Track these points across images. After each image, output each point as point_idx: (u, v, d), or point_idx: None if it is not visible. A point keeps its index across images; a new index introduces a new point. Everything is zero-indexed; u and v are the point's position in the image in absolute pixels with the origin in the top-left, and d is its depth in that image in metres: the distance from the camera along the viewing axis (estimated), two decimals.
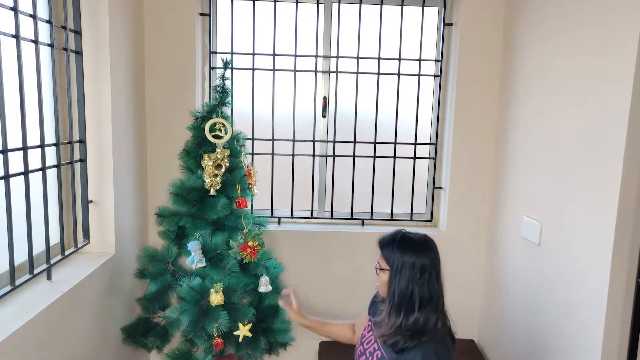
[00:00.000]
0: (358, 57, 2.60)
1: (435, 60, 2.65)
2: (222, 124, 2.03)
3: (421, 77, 2.66)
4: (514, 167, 2.32)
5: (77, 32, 1.89)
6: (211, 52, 2.56)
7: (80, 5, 1.89)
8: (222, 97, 2.07)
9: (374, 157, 2.69)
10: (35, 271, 1.65)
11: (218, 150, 2.02)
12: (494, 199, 2.56)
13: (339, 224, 2.75)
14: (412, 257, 1.44)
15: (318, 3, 2.56)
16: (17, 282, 1.55)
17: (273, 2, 2.53)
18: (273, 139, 2.64)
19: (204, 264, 1.99)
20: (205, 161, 2.00)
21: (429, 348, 1.38)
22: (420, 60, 2.63)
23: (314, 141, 2.67)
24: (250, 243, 1.99)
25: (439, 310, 1.45)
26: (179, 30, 2.42)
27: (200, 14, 2.50)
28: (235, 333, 1.97)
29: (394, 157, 2.71)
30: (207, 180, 2.00)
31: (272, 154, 2.65)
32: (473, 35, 2.49)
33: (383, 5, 2.57)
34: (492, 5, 2.47)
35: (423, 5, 2.58)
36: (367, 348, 1.58)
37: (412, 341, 1.40)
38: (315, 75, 2.61)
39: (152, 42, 2.41)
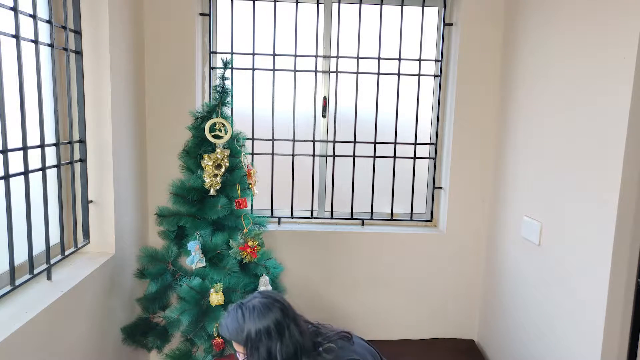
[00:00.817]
0: (358, 57, 2.60)
1: (435, 60, 2.65)
2: (222, 124, 2.03)
3: (421, 77, 2.66)
4: (514, 167, 2.32)
5: (77, 32, 1.89)
6: (211, 52, 2.56)
7: (80, 5, 1.89)
8: (222, 97, 2.07)
9: (374, 157, 2.69)
10: (35, 271, 1.65)
11: (218, 150, 2.02)
12: (494, 199, 2.56)
13: (339, 224, 2.75)
14: (263, 321, 1.30)
15: (318, 3, 2.56)
16: (17, 282, 1.55)
17: (273, 2, 2.53)
18: (273, 139, 2.64)
19: (204, 264, 1.99)
20: (205, 161, 2.00)
21: None
22: (420, 60, 2.63)
23: (314, 141, 2.67)
24: (250, 243, 1.99)
25: (307, 352, 1.34)
26: (179, 30, 2.42)
27: (200, 14, 2.50)
28: None
29: (394, 157, 2.71)
30: (207, 180, 2.00)
31: (272, 154, 2.65)
32: (473, 35, 2.49)
33: (383, 5, 2.57)
34: (492, 5, 2.47)
35: (423, 5, 2.58)
36: None
37: None
38: (315, 75, 2.61)
39: (152, 42, 2.41)
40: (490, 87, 2.53)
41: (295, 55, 2.58)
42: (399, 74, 2.62)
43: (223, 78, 2.06)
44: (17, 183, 1.53)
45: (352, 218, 2.74)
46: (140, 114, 2.39)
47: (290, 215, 2.71)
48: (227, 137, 2.03)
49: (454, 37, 2.57)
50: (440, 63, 2.64)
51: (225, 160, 2.02)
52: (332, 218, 2.74)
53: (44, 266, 1.71)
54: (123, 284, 2.19)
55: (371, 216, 2.74)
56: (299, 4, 2.55)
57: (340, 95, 2.66)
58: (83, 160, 1.96)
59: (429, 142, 2.73)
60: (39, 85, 1.63)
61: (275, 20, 2.54)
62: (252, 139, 2.62)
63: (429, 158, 2.74)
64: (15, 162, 1.53)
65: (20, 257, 1.60)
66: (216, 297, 1.93)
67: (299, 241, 2.61)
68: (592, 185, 1.66)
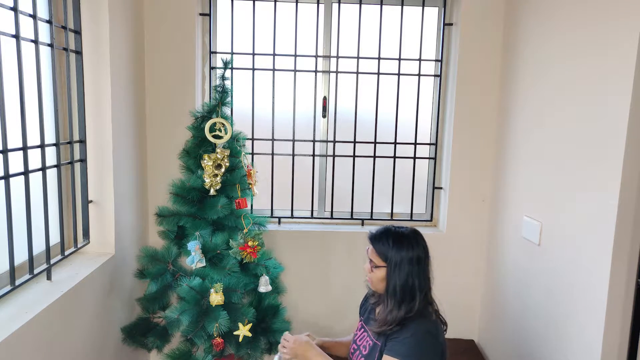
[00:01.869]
0: (358, 57, 2.60)
1: (435, 60, 2.65)
2: (222, 124, 2.03)
3: (421, 77, 2.66)
4: (514, 167, 2.32)
5: (77, 32, 1.89)
6: (211, 52, 2.56)
7: (80, 5, 1.89)
8: (222, 97, 2.07)
9: (374, 157, 2.69)
10: (35, 271, 1.65)
11: (218, 150, 2.02)
12: (494, 199, 2.56)
13: (339, 224, 2.75)
14: (409, 251, 1.49)
15: (318, 3, 2.56)
16: (17, 282, 1.55)
17: (273, 2, 2.53)
18: (273, 139, 2.64)
19: (204, 264, 1.99)
20: (205, 161, 2.00)
21: (420, 326, 1.45)
22: (420, 60, 2.63)
23: (314, 141, 2.67)
24: (250, 243, 1.99)
25: (429, 295, 1.54)
26: (179, 30, 2.42)
27: (200, 14, 2.50)
28: (235, 333, 1.97)
29: (394, 157, 2.71)
30: (207, 180, 2.00)
31: (272, 154, 2.65)
32: (473, 35, 2.49)
33: (383, 5, 2.57)
34: (492, 5, 2.47)
35: (423, 5, 2.58)
36: (360, 344, 1.61)
37: (402, 325, 1.46)
38: (315, 75, 2.61)
39: (152, 42, 2.41)
40: (490, 87, 2.53)
41: (295, 55, 2.58)
42: (399, 74, 2.62)
43: (223, 78, 2.06)
44: (17, 183, 1.53)
45: (352, 218, 2.74)
46: (140, 114, 2.39)
47: (290, 215, 2.71)
48: (227, 137, 2.03)
49: (454, 37, 2.57)
50: (440, 63, 2.64)
51: (225, 160, 2.02)
52: (332, 218, 2.74)
53: (44, 266, 1.71)
54: (123, 284, 2.19)
55: (371, 216, 2.74)
56: (299, 4, 2.55)
57: (340, 95, 2.66)
58: (83, 160, 1.96)
59: (429, 142, 2.73)
60: (39, 85, 1.63)
61: (275, 20, 2.54)
62: (252, 139, 2.62)
63: (429, 158, 2.74)
64: (15, 162, 1.53)
65: (20, 257, 1.60)
66: (216, 297, 1.93)
67: (299, 241, 2.61)
68: (592, 185, 1.66)
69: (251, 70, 2.59)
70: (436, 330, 1.48)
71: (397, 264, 1.48)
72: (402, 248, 1.49)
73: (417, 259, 1.49)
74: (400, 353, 1.42)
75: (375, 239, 1.56)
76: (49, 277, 1.73)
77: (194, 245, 1.96)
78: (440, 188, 2.73)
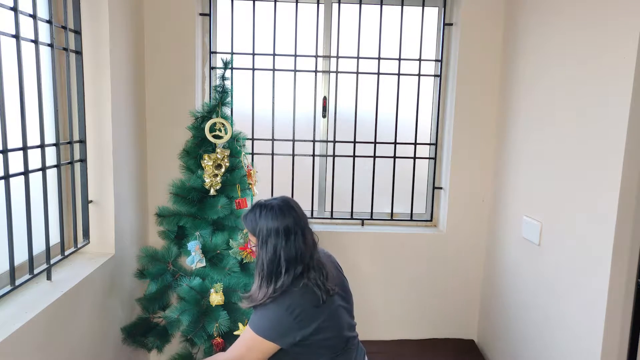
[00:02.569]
0: (358, 57, 2.60)
1: (435, 60, 2.65)
2: (222, 124, 2.03)
3: (421, 77, 2.66)
4: (514, 167, 2.32)
5: (77, 32, 1.89)
6: (211, 52, 2.56)
7: (80, 5, 1.89)
8: (222, 97, 2.07)
9: (374, 157, 2.69)
10: (35, 271, 1.65)
11: (218, 150, 2.02)
12: (494, 199, 2.56)
13: (339, 224, 2.75)
14: (275, 222, 1.44)
15: (318, 3, 2.56)
16: (17, 282, 1.55)
17: (273, 2, 2.53)
18: (273, 139, 2.64)
19: (204, 264, 1.99)
20: (205, 161, 2.00)
21: (281, 304, 1.41)
22: (420, 60, 2.63)
23: (314, 141, 2.67)
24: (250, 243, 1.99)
25: (306, 266, 1.46)
26: (179, 30, 2.42)
27: (200, 14, 2.50)
28: (235, 333, 1.97)
29: (394, 157, 2.71)
30: (207, 180, 2.00)
31: (272, 154, 2.65)
32: (473, 35, 2.49)
33: (383, 5, 2.57)
34: (492, 5, 2.47)
35: (423, 5, 2.58)
36: None
37: (270, 301, 1.43)
38: (315, 75, 2.61)
39: (152, 42, 2.41)
40: (490, 87, 2.53)
41: (295, 55, 2.58)
42: (399, 74, 2.63)
43: (223, 78, 2.06)
44: (17, 183, 1.53)
45: (352, 218, 2.74)
46: (140, 114, 2.39)
47: None
48: (227, 137, 2.03)
49: (454, 37, 2.57)
50: (440, 63, 2.64)
51: (225, 160, 2.02)
52: (332, 218, 2.74)
53: (44, 266, 1.71)
54: (123, 284, 2.19)
55: (371, 216, 2.74)
56: (299, 4, 2.55)
57: (340, 95, 2.66)
58: (83, 160, 1.96)
59: (429, 142, 2.73)
60: (39, 85, 1.63)
61: (275, 20, 2.54)
62: (252, 139, 2.62)
63: (429, 158, 2.74)
64: (15, 162, 1.53)
65: (20, 257, 1.60)
66: (216, 297, 1.93)
67: None
68: (592, 185, 1.66)
69: (251, 70, 2.59)
70: (301, 302, 1.42)
71: (264, 238, 1.44)
72: (267, 221, 1.44)
73: (285, 230, 1.43)
74: (254, 322, 1.44)
75: (244, 218, 1.52)
76: (49, 277, 1.73)
77: (194, 245, 1.96)
78: (440, 188, 2.73)
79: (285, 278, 1.42)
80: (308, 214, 2.74)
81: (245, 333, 1.47)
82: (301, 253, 1.45)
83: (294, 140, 2.65)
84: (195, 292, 1.95)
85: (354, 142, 2.67)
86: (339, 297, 1.52)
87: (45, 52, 1.73)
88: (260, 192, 2.56)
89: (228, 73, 2.08)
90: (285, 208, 1.47)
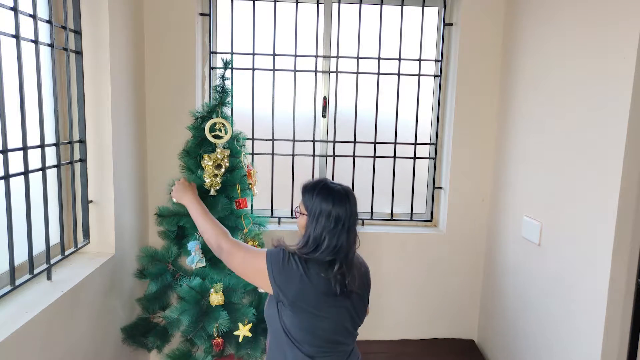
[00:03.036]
0: (358, 57, 2.60)
1: (435, 60, 2.65)
2: (222, 124, 2.03)
3: (421, 77, 2.66)
4: (514, 167, 2.32)
5: (77, 32, 1.89)
6: (211, 52, 2.56)
7: (80, 5, 1.89)
8: (222, 97, 2.07)
9: (374, 157, 2.69)
10: (35, 271, 1.65)
11: (218, 150, 2.02)
12: (494, 199, 2.56)
13: None
14: (329, 206, 1.45)
15: (318, 3, 2.56)
16: (17, 282, 1.55)
17: (273, 2, 2.53)
18: (273, 139, 2.64)
19: (204, 264, 1.99)
20: (205, 161, 2.00)
21: (301, 261, 1.44)
22: (420, 60, 2.63)
23: (314, 141, 2.67)
24: (250, 243, 1.99)
25: (336, 259, 1.45)
26: (179, 30, 2.42)
27: (200, 14, 2.50)
28: (235, 333, 1.97)
29: (394, 157, 2.71)
30: (207, 180, 2.00)
31: (272, 154, 2.65)
32: (473, 35, 2.49)
33: (383, 5, 2.57)
34: (492, 5, 2.47)
35: (423, 5, 2.58)
36: None
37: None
38: (315, 75, 2.61)
39: (152, 42, 2.41)
40: (490, 87, 2.53)
41: (295, 55, 2.58)
42: (399, 74, 2.62)
43: (223, 78, 2.06)
44: (17, 183, 1.53)
45: None
46: (140, 114, 2.39)
47: (290, 215, 2.71)
48: (227, 137, 2.03)
49: (454, 37, 2.56)
50: (440, 63, 2.64)
51: (226, 160, 2.02)
52: None
53: (44, 266, 1.71)
54: (123, 284, 2.19)
55: (371, 216, 2.74)
56: (299, 4, 2.55)
57: (340, 95, 2.66)
58: (83, 160, 1.96)
59: (429, 142, 2.73)
60: (39, 85, 1.63)
61: (275, 20, 2.54)
62: (252, 139, 2.62)
63: (429, 158, 2.74)
64: (15, 162, 1.53)
65: (20, 257, 1.60)
66: (216, 297, 1.93)
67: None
68: (592, 185, 1.67)
69: (251, 70, 2.59)
70: (311, 275, 1.42)
71: (316, 215, 1.46)
72: (323, 201, 1.46)
73: (336, 218, 1.45)
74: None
75: (305, 188, 1.54)
76: (49, 277, 1.73)
77: (194, 246, 1.96)
78: (440, 188, 2.73)
79: (318, 254, 1.44)
80: None
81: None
82: (340, 246, 1.46)
83: (294, 140, 2.65)
84: (195, 292, 1.95)
85: (354, 142, 2.67)
86: (351, 302, 1.49)
87: (45, 52, 1.73)
88: (261, 192, 2.56)
89: (228, 73, 2.08)
90: (344, 197, 1.48)
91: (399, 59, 2.62)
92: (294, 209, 1.58)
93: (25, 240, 1.59)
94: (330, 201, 1.46)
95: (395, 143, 2.69)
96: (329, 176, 2.70)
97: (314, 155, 2.68)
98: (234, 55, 2.55)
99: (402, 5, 2.58)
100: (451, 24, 2.59)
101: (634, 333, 1.57)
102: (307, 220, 1.49)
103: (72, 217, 1.94)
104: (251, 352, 2.09)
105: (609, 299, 1.57)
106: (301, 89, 2.65)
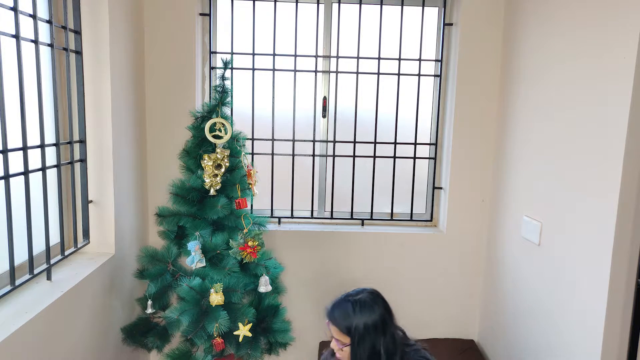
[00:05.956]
0: (358, 57, 2.60)
1: (435, 60, 2.65)
2: (222, 124, 2.03)
3: (421, 77, 2.66)
4: (514, 167, 2.32)
5: (77, 32, 1.89)
6: (211, 52, 2.56)
7: (80, 5, 1.89)
8: (222, 97, 2.07)
9: (374, 157, 2.69)
10: (35, 271, 1.65)
11: (218, 150, 2.02)
12: (494, 199, 2.56)
13: (339, 224, 2.75)
14: (371, 316, 1.38)
15: (318, 3, 2.56)
16: (17, 282, 1.55)
17: (273, 2, 2.53)
18: (273, 139, 2.64)
19: (204, 264, 1.99)
20: (205, 161, 2.00)
21: None
22: (420, 60, 2.63)
23: (314, 141, 2.67)
24: (250, 243, 1.99)
25: (402, 348, 1.43)
26: (179, 30, 2.42)
27: (200, 14, 2.50)
28: (235, 333, 1.97)
29: (394, 157, 2.71)
30: (207, 180, 2.00)
31: (272, 154, 2.65)
32: (473, 35, 2.49)
33: (383, 5, 2.57)
34: (492, 5, 2.47)
35: (423, 5, 2.58)
36: None
37: None
38: (315, 75, 2.61)
39: (152, 42, 2.41)
40: (490, 87, 2.53)
41: (295, 55, 2.58)
42: (399, 74, 2.62)
43: (223, 78, 2.06)
44: (17, 183, 1.53)
45: (352, 218, 2.74)
46: (140, 114, 2.39)
47: (290, 215, 2.71)
48: (227, 137, 2.03)
49: (454, 37, 2.56)
50: (440, 63, 2.64)
51: (225, 160, 2.02)
52: (332, 218, 2.74)
53: (44, 266, 1.71)
54: (123, 284, 2.19)
55: (371, 216, 2.74)
56: (299, 4, 2.55)
57: (340, 95, 2.66)
58: (83, 160, 1.96)
59: (429, 142, 2.73)
60: (39, 85, 1.63)
61: (275, 20, 2.54)
62: (252, 139, 2.62)
63: (429, 158, 2.74)
64: (15, 162, 1.53)
65: (20, 257, 1.60)
66: (216, 297, 1.93)
67: (299, 241, 2.61)
68: (592, 185, 1.66)
69: (251, 70, 2.59)
70: None
71: (361, 335, 1.36)
72: (362, 318, 1.37)
73: (383, 323, 1.39)
74: None
75: (332, 315, 1.44)
76: (49, 277, 1.73)
77: (194, 246, 1.96)
78: (440, 188, 2.73)
79: None
80: (308, 214, 2.74)
81: None
82: (399, 343, 1.42)
83: (294, 140, 2.65)
84: (195, 292, 1.95)
85: (354, 142, 2.67)
86: None
87: (45, 52, 1.73)
88: (261, 192, 2.56)
89: (228, 73, 2.08)
90: (377, 299, 1.43)
91: (399, 59, 2.62)
92: (331, 345, 1.47)
93: (25, 240, 1.59)
94: (368, 314, 1.38)
95: (395, 143, 2.69)
96: (329, 176, 2.70)
97: (314, 155, 2.68)
98: (234, 55, 2.55)
99: (402, 5, 2.58)
100: (451, 24, 2.59)
101: (634, 333, 1.57)
102: (351, 348, 1.38)
103: (72, 217, 1.94)
104: (251, 352, 2.09)
105: (609, 299, 1.57)
106: (301, 89, 2.65)
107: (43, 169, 1.66)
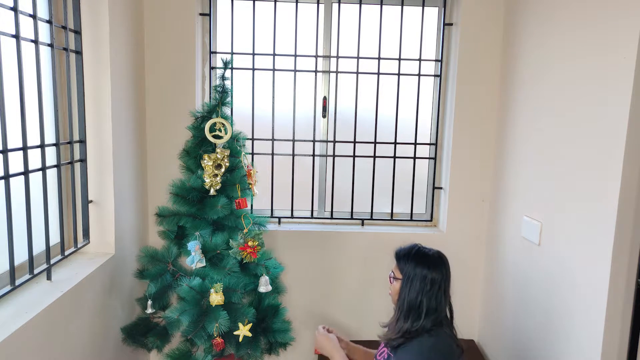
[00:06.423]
0: (358, 57, 2.60)
1: (435, 60, 2.65)
2: (222, 124, 2.03)
3: (421, 77, 2.66)
4: (514, 167, 2.32)
5: (77, 32, 1.89)
6: (211, 52, 2.56)
7: (80, 5, 1.89)
8: (222, 97, 2.07)
9: (374, 157, 2.69)
10: (35, 271, 1.65)
11: (218, 150, 2.02)
12: (494, 199, 2.56)
13: (339, 224, 2.75)
14: (424, 270, 1.51)
15: (318, 3, 2.56)
16: (17, 282, 1.55)
17: (273, 2, 2.53)
18: (273, 139, 2.64)
19: (204, 264, 1.99)
20: (205, 161, 2.00)
21: (426, 341, 1.48)
22: (420, 60, 2.63)
23: (314, 141, 2.67)
24: (250, 243, 1.99)
25: (441, 320, 1.54)
26: (179, 30, 2.42)
27: (200, 14, 2.50)
28: (235, 333, 1.97)
29: (394, 157, 2.71)
30: (207, 180, 2.00)
31: (272, 154, 2.65)
32: (473, 35, 2.49)
33: (383, 5, 2.57)
34: (492, 5, 2.47)
35: (423, 5, 2.58)
36: (379, 358, 1.66)
37: (411, 340, 1.49)
38: (315, 75, 2.61)
39: (152, 42, 2.41)
40: (490, 87, 2.53)
41: (295, 55, 2.58)
42: (399, 74, 2.62)
43: (223, 78, 2.06)
44: (17, 183, 1.53)
45: (352, 218, 2.74)
46: (140, 114, 2.39)
47: (290, 216, 2.71)
48: (227, 137, 2.03)
49: (454, 37, 2.56)
50: (440, 63, 2.64)
51: (225, 160, 2.02)
52: (332, 218, 2.74)
53: (44, 266, 1.71)
54: (123, 284, 2.19)
55: (371, 216, 2.74)
56: (299, 4, 2.55)
57: (340, 95, 2.66)
58: (83, 160, 1.96)
59: (429, 142, 2.73)
60: (39, 85, 1.63)
61: (275, 20, 2.54)
62: (252, 139, 2.62)
63: (429, 158, 2.74)
64: (15, 162, 1.53)
65: (20, 257, 1.60)
66: (216, 297, 1.93)
67: (299, 241, 2.61)
68: (592, 185, 1.66)
69: (251, 70, 2.59)
70: (444, 346, 1.49)
71: (410, 279, 1.51)
72: (418, 265, 1.52)
73: (432, 281, 1.50)
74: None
75: (399, 253, 1.60)
76: (49, 277, 1.73)
77: (194, 245, 1.96)
78: (440, 188, 2.73)
79: (425, 321, 1.49)
80: (308, 214, 2.74)
81: None
82: (440, 307, 1.52)
83: (294, 140, 2.65)
84: (195, 292, 1.95)
85: (354, 142, 2.67)
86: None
87: (45, 52, 1.73)
88: (261, 192, 2.56)
89: (228, 73, 2.08)
90: (439, 261, 1.54)
91: (399, 59, 2.62)
92: (388, 275, 1.65)
93: (25, 240, 1.59)
94: (426, 265, 1.51)
95: (395, 143, 2.69)
96: (329, 176, 2.70)
97: (314, 155, 2.68)
98: (234, 55, 2.55)
99: (402, 5, 2.58)
100: (451, 24, 2.59)
101: (634, 333, 1.57)
102: (400, 285, 1.54)
103: (72, 217, 1.94)
104: (251, 352, 2.09)
105: (609, 298, 1.57)
106: (301, 89, 2.65)
107: (43, 169, 1.66)
